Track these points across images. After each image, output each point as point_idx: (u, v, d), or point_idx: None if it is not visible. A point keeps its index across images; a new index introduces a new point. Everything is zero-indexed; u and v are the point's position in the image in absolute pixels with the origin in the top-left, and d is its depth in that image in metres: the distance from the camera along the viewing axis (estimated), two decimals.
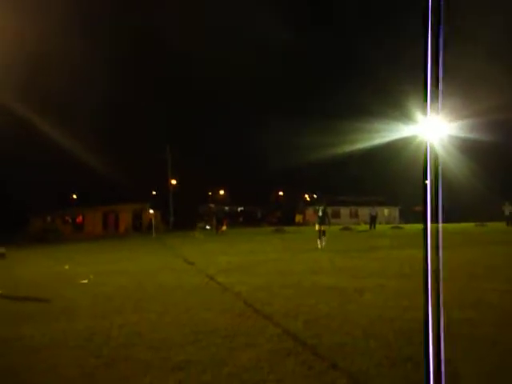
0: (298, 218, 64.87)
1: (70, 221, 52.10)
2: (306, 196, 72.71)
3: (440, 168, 2.50)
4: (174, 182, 58.62)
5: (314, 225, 18.92)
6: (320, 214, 18.21)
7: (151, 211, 43.20)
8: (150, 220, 39.52)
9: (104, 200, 51.78)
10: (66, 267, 14.16)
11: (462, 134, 36.94)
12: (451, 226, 32.12)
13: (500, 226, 33.36)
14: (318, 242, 17.88)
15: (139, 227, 47.46)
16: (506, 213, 34.17)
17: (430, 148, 2.53)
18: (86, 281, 10.93)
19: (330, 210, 20.09)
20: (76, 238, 39.10)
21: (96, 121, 59.99)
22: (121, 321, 6.55)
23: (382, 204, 58.62)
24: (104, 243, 28.89)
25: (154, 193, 66.97)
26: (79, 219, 52.21)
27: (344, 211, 67.61)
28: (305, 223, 57.24)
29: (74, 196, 69.34)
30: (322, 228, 18.01)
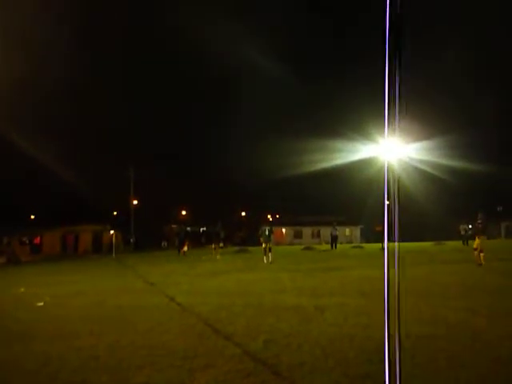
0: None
1: (28, 242, 50.67)
2: (269, 216, 72.89)
3: (397, 188, 2.57)
4: (135, 202, 57.81)
5: (262, 243, 21.70)
6: (267, 233, 21.27)
7: (112, 232, 42.46)
8: (111, 241, 38.87)
9: (63, 221, 50.63)
10: (22, 290, 13.73)
11: (422, 156, 38.20)
12: (411, 244, 32.79)
13: (457, 244, 34.29)
14: (265, 258, 20.91)
15: (99, 248, 46.57)
16: (462, 232, 35.25)
17: (390, 169, 2.61)
18: (42, 303, 10.62)
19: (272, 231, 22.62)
20: (33, 259, 38.02)
21: (56, 137, 58.99)
22: (78, 344, 6.39)
23: (343, 224, 59.28)
24: (62, 264, 28.16)
25: (115, 213, 66.00)
26: (37, 240, 50.85)
27: (306, 231, 68.21)
28: None
29: (32, 216, 67.58)
30: (268, 246, 21.11)
